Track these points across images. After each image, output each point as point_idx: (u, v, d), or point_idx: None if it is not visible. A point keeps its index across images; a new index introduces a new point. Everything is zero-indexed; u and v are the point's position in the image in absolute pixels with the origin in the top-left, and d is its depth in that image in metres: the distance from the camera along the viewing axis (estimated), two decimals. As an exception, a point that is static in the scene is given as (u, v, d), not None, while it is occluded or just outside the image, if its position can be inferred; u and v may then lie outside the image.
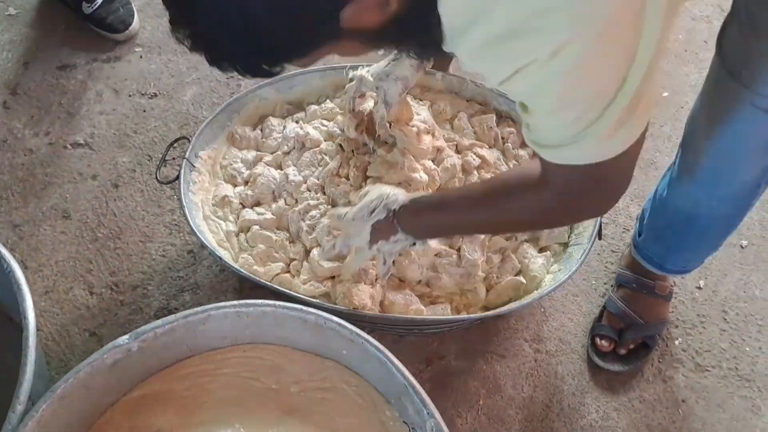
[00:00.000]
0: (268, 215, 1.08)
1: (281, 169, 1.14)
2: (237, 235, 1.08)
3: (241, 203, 1.12)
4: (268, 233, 1.06)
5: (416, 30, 0.64)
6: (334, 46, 0.63)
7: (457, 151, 1.14)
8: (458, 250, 1.06)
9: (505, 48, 0.57)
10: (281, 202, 1.10)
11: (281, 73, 0.64)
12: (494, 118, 1.19)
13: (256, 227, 1.07)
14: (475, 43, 0.59)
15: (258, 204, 1.11)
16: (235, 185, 1.14)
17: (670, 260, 1.09)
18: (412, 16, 0.61)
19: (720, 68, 0.82)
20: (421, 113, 1.09)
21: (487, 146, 1.16)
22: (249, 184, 1.13)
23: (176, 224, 1.24)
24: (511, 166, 1.17)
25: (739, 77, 0.79)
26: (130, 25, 1.51)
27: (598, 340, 1.13)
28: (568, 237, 1.10)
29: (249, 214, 1.08)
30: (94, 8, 1.49)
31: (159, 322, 0.87)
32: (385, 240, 0.92)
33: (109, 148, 1.34)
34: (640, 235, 1.11)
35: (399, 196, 0.91)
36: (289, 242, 1.07)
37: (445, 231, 0.95)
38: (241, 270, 1.01)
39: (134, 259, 1.20)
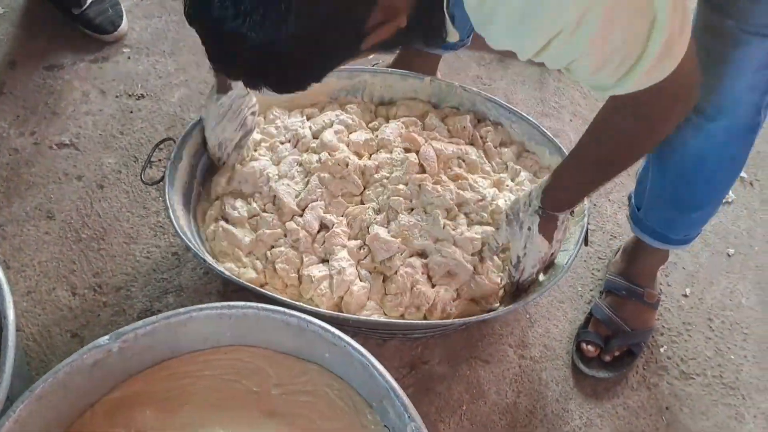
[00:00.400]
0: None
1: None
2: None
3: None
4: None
5: (421, 33, 0.73)
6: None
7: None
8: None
9: (529, 25, 0.63)
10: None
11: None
12: (468, 118, 1.19)
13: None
14: (500, 27, 0.66)
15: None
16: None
17: (675, 226, 1.08)
18: (418, 23, 0.69)
19: (705, 7, 0.85)
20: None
21: (463, 142, 1.17)
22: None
23: (161, 226, 1.24)
24: (494, 164, 1.17)
25: (726, 11, 0.83)
26: (119, 26, 1.50)
27: (584, 345, 1.13)
28: None
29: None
30: (83, 9, 1.48)
31: (140, 323, 0.86)
32: (556, 231, 0.97)
33: (94, 149, 1.33)
34: (639, 209, 1.10)
35: (519, 195, 1.00)
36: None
37: (586, 191, 0.97)
38: (224, 272, 1.00)
39: (118, 261, 1.19)
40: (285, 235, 1.06)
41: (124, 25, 1.52)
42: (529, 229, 0.97)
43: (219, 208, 1.10)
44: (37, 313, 1.13)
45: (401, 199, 1.07)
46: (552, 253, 1.01)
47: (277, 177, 1.11)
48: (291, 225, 1.06)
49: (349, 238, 1.05)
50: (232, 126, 1.08)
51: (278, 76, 0.67)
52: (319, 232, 1.06)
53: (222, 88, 1.06)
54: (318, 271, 1.02)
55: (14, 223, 1.22)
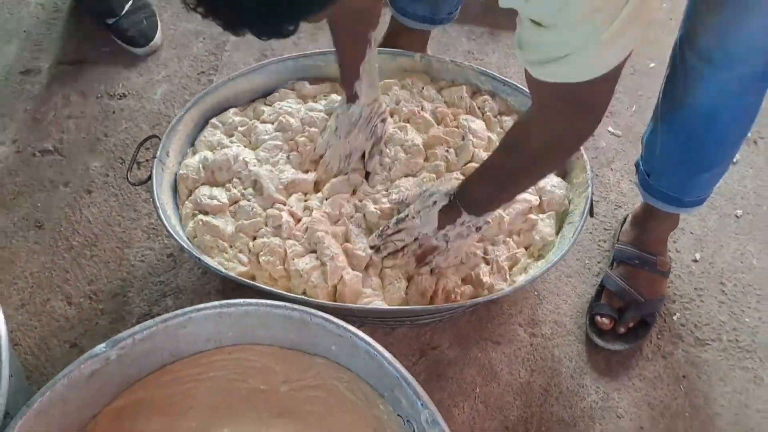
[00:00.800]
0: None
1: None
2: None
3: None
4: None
5: None
6: None
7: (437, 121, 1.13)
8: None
9: None
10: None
11: (295, 32, 0.61)
12: (464, 89, 1.16)
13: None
14: None
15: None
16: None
17: (689, 189, 1.05)
18: None
19: None
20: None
21: (463, 112, 1.13)
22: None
23: (154, 228, 1.20)
24: (496, 135, 1.13)
25: None
26: (152, 39, 1.44)
27: (598, 318, 1.10)
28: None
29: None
30: (117, 18, 1.42)
31: (137, 327, 0.83)
32: (451, 224, 0.96)
33: (79, 153, 1.30)
34: (649, 175, 1.07)
35: (453, 181, 0.99)
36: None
37: (495, 198, 0.96)
38: (220, 269, 0.97)
39: (112, 267, 1.16)
40: (266, 224, 1.02)
41: (158, 38, 1.45)
42: (434, 203, 0.96)
43: (195, 202, 1.05)
44: (33, 326, 1.10)
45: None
46: (433, 246, 0.98)
47: (255, 161, 1.07)
48: (273, 212, 1.02)
49: (332, 223, 1.02)
50: (364, 135, 1.07)
51: (265, 9, 0.57)
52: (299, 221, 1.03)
53: (351, 98, 1.06)
54: (304, 263, 0.97)
55: (2, 234, 1.19)
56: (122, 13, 1.43)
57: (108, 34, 1.45)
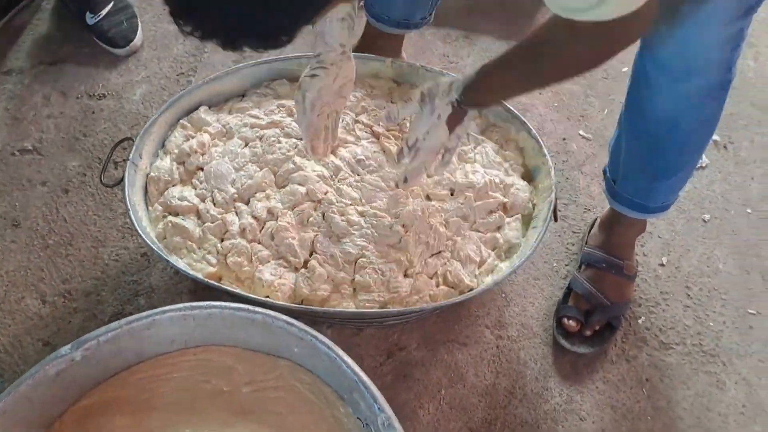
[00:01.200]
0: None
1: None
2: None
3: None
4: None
5: None
6: None
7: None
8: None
9: None
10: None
11: (292, 42, 0.62)
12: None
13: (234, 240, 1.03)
14: None
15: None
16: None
17: (652, 195, 1.07)
18: None
19: None
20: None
21: None
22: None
23: (129, 228, 1.22)
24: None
25: None
26: (132, 40, 1.45)
27: (565, 320, 1.12)
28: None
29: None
30: (98, 19, 1.44)
31: (102, 329, 0.85)
32: (459, 124, 0.96)
33: (58, 153, 1.31)
34: (615, 182, 1.09)
35: (443, 82, 0.95)
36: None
37: (506, 94, 0.97)
38: (188, 270, 0.99)
39: (87, 265, 1.18)
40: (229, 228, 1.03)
41: (138, 39, 1.47)
42: (439, 117, 0.95)
43: (164, 204, 1.06)
44: (7, 324, 1.12)
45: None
46: (449, 148, 0.99)
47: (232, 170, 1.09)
48: (230, 217, 1.03)
49: (298, 231, 1.03)
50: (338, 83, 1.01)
51: (264, 24, 0.58)
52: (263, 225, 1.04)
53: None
54: (270, 273, 0.98)
55: (-21, 233, 1.21)
56: (103, 14, 1.44)
57: (89, 35, 1.46)
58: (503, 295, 1.17)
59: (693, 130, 0.98)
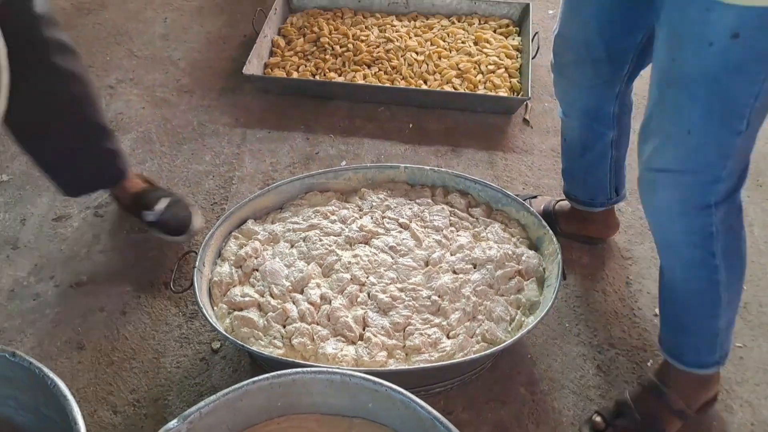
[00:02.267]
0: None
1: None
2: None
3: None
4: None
5: None
6: None
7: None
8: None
9: None
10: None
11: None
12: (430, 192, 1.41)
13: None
14: None
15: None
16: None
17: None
18: None
19: None
20: None
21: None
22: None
23: (185, 337, 1.34)
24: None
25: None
26: (188, 226, 1.47)
27: (596, 416, 1.20)
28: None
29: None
30: (155, 219, 1.45)
31: (202, 403, 0.96)
32: None
33: (112, 282, 1.45)
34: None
35: None
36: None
37: None
38: (264, 352, 1.11)
39: (151, 375, 1.29)
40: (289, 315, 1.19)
41: (195, 222, 1.48)
42: None
43: (228, 302, 1.22)
44: (83, 436, 1.19)
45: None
46: None
47: (284, 267, 1.26)
48: (289, 305, 1.19)
49: (349, 310, 1.20)
50: None
51: None
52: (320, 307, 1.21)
53: None
54: (332, 348, 1.14)
55: (47, 359, 1.31)
56: (160, 211, 1.45)
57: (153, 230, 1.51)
58: (529, 356, 1.32)
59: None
